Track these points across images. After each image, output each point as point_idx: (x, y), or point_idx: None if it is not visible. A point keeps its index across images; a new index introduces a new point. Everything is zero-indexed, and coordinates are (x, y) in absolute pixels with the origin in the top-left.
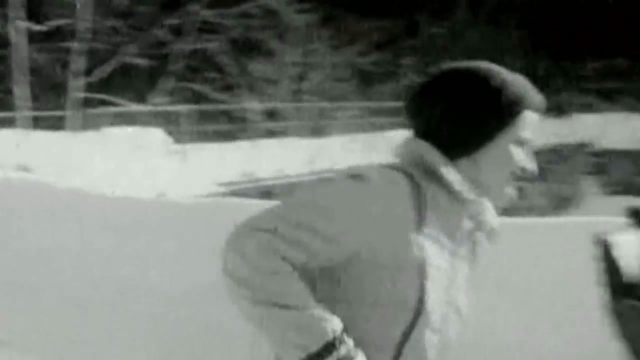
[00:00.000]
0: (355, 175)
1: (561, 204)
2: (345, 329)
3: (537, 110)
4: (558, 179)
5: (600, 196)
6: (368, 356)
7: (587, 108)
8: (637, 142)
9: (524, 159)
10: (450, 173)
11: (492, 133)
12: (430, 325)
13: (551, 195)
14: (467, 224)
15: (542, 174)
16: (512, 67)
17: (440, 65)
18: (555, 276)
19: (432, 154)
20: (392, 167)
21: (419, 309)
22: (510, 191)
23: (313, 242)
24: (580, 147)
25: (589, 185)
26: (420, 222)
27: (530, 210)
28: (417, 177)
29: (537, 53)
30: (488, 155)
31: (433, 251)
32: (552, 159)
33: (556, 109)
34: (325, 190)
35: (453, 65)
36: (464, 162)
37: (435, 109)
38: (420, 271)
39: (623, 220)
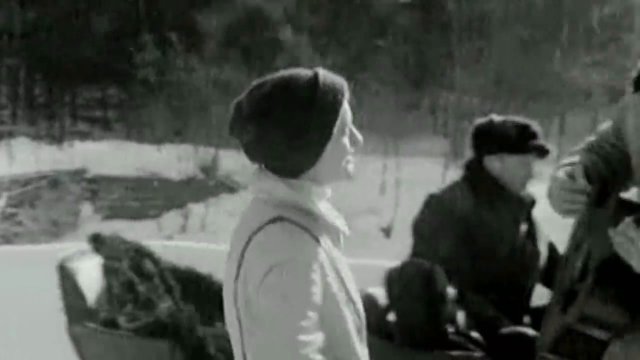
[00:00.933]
0: (277, 247)
1: (57, 229)
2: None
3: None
4: (53, 205)
5: (96, 221)
6: None
7: (85, 135)
8: (128, 168)
9: (351, 142)
10: (319, 207)
11: (330, 133)
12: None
13: (45, 221)
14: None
15: (35, 202)
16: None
17: (253, 88)
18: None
19: (294, 195)
20: (276, 220)
21: (357, 313)
22: (350, 167)
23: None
24: (77, 173)
25: (86, 211)
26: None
27: (22, 237)
28: (295, 217)
29: (34, 79)
30: (325, 156)
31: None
32: (47, 185)
33: (53, 137)
34: (284, 280)
35: (264, 83)
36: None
37: (271, 135)
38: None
39: (88, 246)
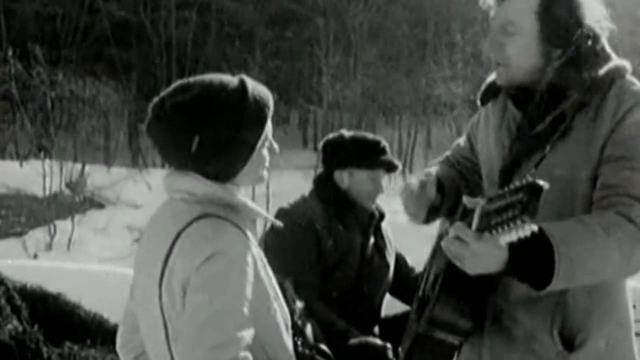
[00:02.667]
0: (217, 242)
1: None
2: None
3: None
4: None
5: None
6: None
7: None
8: None
9: (269, 150)
10: (243, 199)
11: (255, 145)
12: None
13: None
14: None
15: None
16: None
17: (176, 88)
18: None
19: (217, 190)
20: (203, 217)
21: (284, 309)
22: (265, 172)
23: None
24: None
25: None
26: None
27: None
28: (221, 212)
29: None
30: (248, 166)
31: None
32: None
33: None
34: (222, 270)
35: (190, 85)
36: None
37: (196, 141)
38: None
39: None
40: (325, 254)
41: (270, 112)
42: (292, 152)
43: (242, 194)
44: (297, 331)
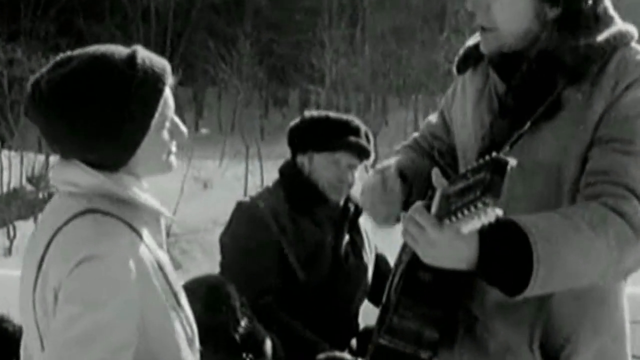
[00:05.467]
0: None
1: None
2: None
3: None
4: None
5: None
6: None
7: None
8: None
9: (172, 134)
10: (138, 194)
11: (147, 127)
12: None
13: None
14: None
15: None
16: None
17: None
18: None
19: (107, 183)
20: (85, 212)
21: (188, 322)
22: (171, 159)
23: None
24: None
25: None
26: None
27: None
28: (110, 208)
29: None
30: (142, 151)
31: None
32: None
33: None
34: (96, 278)
35: (70, 59)
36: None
37: (77, 124)
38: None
39: None
40: (290, 254)
41: (167, 88)
42: None
43: (141, 186)
44: (245, 347)
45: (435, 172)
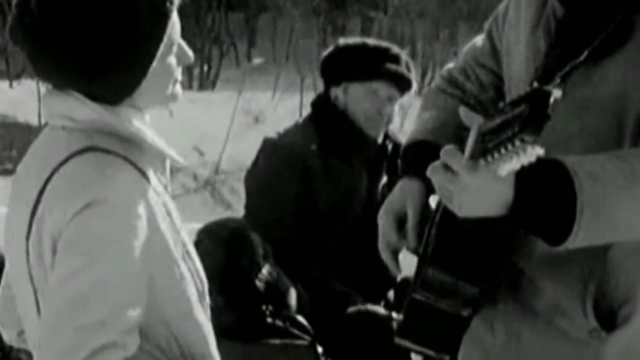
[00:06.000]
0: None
1: None
2: None
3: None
4: None
5: None
6: None
7: None
8: None
9: (179, 59)
10: (143, 131)
11: (155, 51)
12: None
13: None
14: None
15: None
16: None
17: None
18: None
19: (107, 117)
20: (86, 151)
21: (198, 274)
22: (177, 88)
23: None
24: None
25: None
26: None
27: None
28: (112, 146)
29: None
30: (148, 79)
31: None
32: None
33: None
34: (104, 224)
35: None
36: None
37: (74, 50)
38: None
39: None
40: (320, 198)
41: (175, 6)
42: None
43: (145, 121)
44: (266, 298)
45: (464, 110)
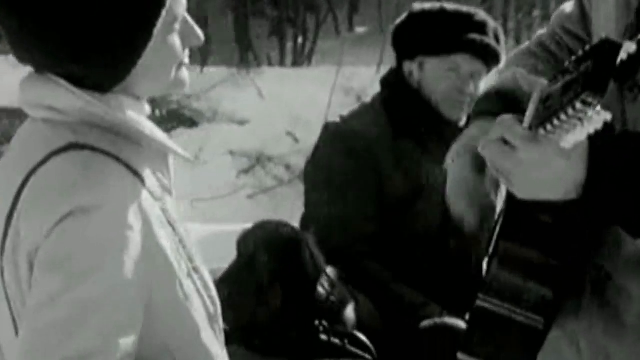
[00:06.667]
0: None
1: None
2: None
3: None
4: None
5: None
6: None
7: None
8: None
9: (184, 39)
10: (140, 123)
11: (151, 30)
12: None
13: None
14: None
15: None
16: None
17: None
18: None
19: (96, 107)
20: (69, 148)
21: (208, 292)
22: (182, 74)
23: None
24: None
25: None
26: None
27: None
28: (101, 142)
29: None
30: (144, 61)
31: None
32: None
33: None
34: (88, 236)
35: None
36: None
37: (57, 27)
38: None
39: None
40: (391, 192)
41: None
42: None
43: (143, 111)
44: (322, 311)
45: (521, 73)
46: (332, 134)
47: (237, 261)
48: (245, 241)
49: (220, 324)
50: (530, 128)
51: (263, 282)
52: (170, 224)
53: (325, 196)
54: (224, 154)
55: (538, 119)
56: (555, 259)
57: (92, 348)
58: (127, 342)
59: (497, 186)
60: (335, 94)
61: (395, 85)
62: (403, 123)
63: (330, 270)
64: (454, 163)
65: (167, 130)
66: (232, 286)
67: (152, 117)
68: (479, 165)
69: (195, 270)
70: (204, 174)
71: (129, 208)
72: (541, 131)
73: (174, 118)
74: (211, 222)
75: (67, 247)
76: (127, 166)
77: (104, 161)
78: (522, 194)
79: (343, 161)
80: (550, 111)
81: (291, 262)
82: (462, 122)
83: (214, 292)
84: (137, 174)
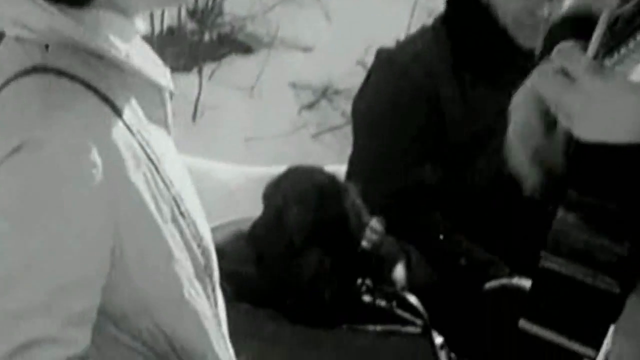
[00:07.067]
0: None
1: None
2: None
3: None
4: None
5: None
6: None
7: None
8: None
9: None
10: (123, 49)
11: None
12: None
13: None
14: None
15: None
16: None
17: None
18: None
19: (71, 26)
20: (36, 70)
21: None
22: None
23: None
24: None
25: None
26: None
27: None
28: (75, 67)
29: None
30: None
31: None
32: None
33: None
34: (41, 172)
35: None
36: None
37: None
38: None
39: None
40: (454, 132)
41: None
42: None
43: (130, 31)
44: (363, 268)
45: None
46: (385, 62)
47: (263, 216)
48: (272, 192)
49: (215, 278)
50: (595, 57)
51: (294, 241)
52: (151, 160)
53: (371, 133)
54: (284, 86)
55: (604, 46)
56: (633, 213)
57: (39, 304)
58: (83, 299)
59: (569, 145)
60: (416, 15)
61: (460, 4)
62: (469, 50)
63: (376, 222)
64: (521, 106)
65: (218, 58)
66: (259, 247)
67: (200, 42)
68: (546, 114)
69: (183, 215)
70: (261, 109)
71: (92, 142)
72: (607, 62)
73: (225, 43)
74: (267, 164)
75: (13, 186)
76: (99, 93)
77: (69, 87)
78: (584, 133)
79: (394, 95)
80: (619, 37)
81: (327, 215)
82: (537, 50)
83: (207, 241)
84: (110, 103)
